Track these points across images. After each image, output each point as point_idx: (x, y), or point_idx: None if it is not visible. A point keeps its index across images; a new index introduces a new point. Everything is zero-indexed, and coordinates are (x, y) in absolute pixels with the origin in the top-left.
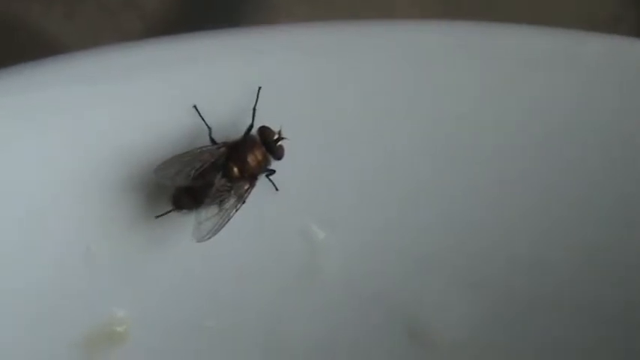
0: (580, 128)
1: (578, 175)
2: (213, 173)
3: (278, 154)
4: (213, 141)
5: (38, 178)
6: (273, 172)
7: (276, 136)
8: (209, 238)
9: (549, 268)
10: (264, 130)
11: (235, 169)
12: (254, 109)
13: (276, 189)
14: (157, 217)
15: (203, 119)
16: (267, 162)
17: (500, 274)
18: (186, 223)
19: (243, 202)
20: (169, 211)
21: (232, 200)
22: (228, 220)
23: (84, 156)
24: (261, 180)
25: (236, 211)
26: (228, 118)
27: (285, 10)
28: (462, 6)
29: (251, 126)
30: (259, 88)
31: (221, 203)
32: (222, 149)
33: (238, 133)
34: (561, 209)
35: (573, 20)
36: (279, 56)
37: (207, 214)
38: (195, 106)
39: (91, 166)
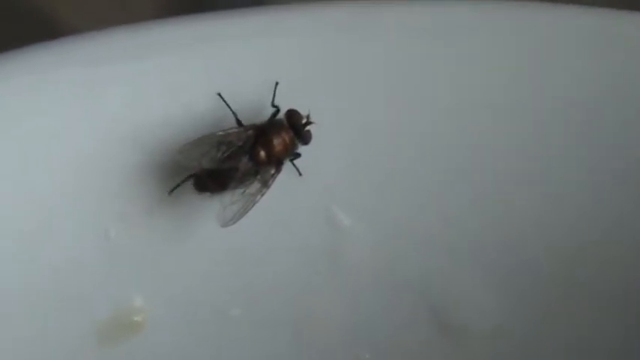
0: (617, 108)
1: (610, 164)
2: (240, 156)
3: (305, 138)
4: (239, 124)
5: (55, 159)
6: (298, 155)
7: (304, 120)
8: (233, 223)
9: (582, 263)
10: (292, 114)
11: (262, 153)
12: (273, 102)
13: (300, 174)
14: (170, 192)
15: (228, 105)
16: (294, 146)
17: (530, 266)
18: (208, 207)
19: (269, 188)
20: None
21: (258, 185)
22: (253, 205)
23: (101, 137)
24: (286, 165)
25: (261, 196)
26: (249, 98)
27: None
28: None
29: (277, 110)
30: (276, 83)
31: (246, 187)
32: (250, 132)
33: (262, 113)
34: (594, 201)
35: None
36: (300, 37)
37: (232, 198)
38: (219, 94)
39: (108, 147)
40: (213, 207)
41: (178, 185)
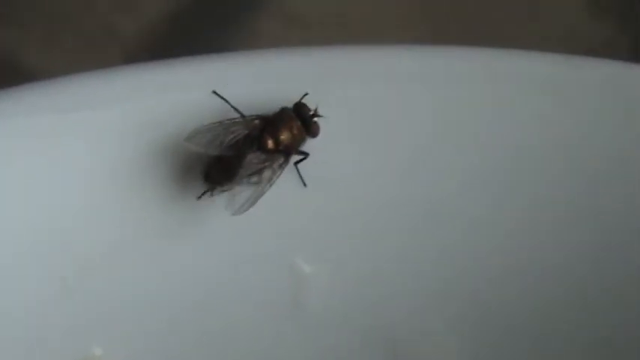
0: (572, 153)
1: (572, 197)
2: (247, 145)
3: (313, 129)
4: (243, 115)
5: (16, 207)
6: (306, 155)
7: (311, 112)
8: (243, 211)
9: (548, 313)
10: (300, 105)
11: (270, 141)
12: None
13: (304, 184)
14: (198, 197)
15: (226, 100)
16: (301, 138)
17: (497, 318)
18: (171, 253)
19: (278, 177)
20: (206, 192)
21: (267, 174)
22: (263, 194)
23: (62, 186)
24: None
25: (270, 185)
26: None
27: (265, 35)
28: (449, 32)
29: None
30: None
31: (255, 177)
32: (256, 121)
33: None
34: (560, 250)
35: (566, 45)
36: (257, 83)
37: (241, 187)
38: (214, 91)
39: (70, 196)
40: (174, 251)
41: (205, 192)
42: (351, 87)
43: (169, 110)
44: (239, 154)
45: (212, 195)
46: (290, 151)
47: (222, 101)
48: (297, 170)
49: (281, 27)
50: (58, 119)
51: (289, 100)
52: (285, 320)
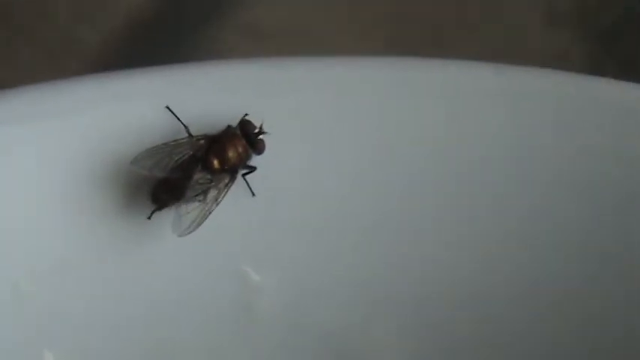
0: (521, 165)
1: (532, 210)
2: (193, 165)
3: (258, 147)
4: (190, 135)
5: None
6: (253, 169)
7: (256, 130)
8: (190, 232)
9: (511, 322)
10: (245, 123)
11: (216, 161)
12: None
13: (253, 194)
14: (149, 217)
15: (177, 117)
16: (247, 156)
17: (448, 325)
18: (122, 256)
19: (224, 196)
20: (155, 210)
21: (213, 193)
22: (209, 214)
23: (14, 196)
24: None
25: (217, 205)
26: None
27: (227, 46)
28: (405, 43)
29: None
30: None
31: (201, 197)
32: (202, 142)
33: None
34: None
35: (522, 55)
36: (211, 94)
37: (188, 207)
38: (168, 107)
39: (24, 206)
40: (123, 263)
41: (154, 212)
42: (302, 97)
43: (121, 122)
44: (185, 174)
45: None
46: (236, 169)
47: (167, 106)
48: (246, 181)
49: (242, 38)
50: (9, 130)
51: (241, 112)
52: (235, 329)
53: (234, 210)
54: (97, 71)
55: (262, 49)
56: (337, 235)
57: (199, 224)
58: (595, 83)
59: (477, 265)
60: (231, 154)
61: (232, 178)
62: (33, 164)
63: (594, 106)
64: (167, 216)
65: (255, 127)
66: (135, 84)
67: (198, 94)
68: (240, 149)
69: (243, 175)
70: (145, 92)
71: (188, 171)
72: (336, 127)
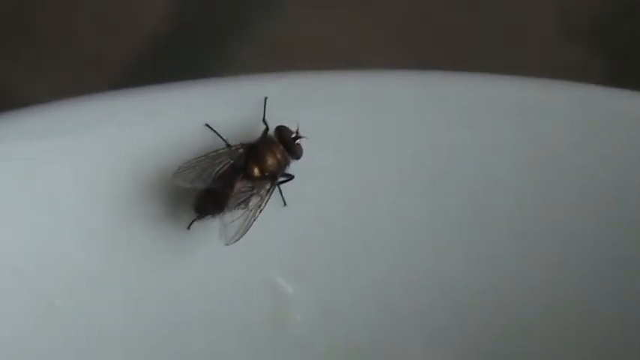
0: (545, 176)
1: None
2: (234, 175)
3: (296, 152)
4: (228, 145)
5: None
6: (291, 177)
7: (293, 135)
8: (237, 240)
9: (534, 337)
10: (282, 129)
11: (256, 169)
12: (264, 120)
13: (285, 203)
14: (188, 227)
15: (217, 133)
16: (286, 161)
17: (483, 333)
18: (154, 272)
19: (266, 202)
20: (195, 220)
21: (255, 201)
22: (254, 220)
23: (45, 210)
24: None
25: (260, 211)
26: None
27: (247, 62)
28: (427, 57)
29: (267, 129)
30: (265, 98)
31: (244, 204)
32: (240, 150)
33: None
34: (548, 268)
35: (543, 69)
36: (242, 108)
37: (233, 216)
38: (207, 124)
39: (52, 220)
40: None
41: (193, 221)
42: (333, 111)
43: (156, 135)
44: (227, 184)
45: (201, 221)
46: (276, 175)
47: (207, 124)
48: (280, 190)
49: (263, 54)
50: (46, 143)
51: (272, 124)
52: (267, 341)
53: (266, 221)
54: (120, 85)
55: (282, 63)
56: (370, 247)
57: (245, 231)
58: (616, 95)
59: (510, 276)
60: (270, 160)
61: (273, 185)
62: (70, 178)
63: (616, 118)
64: (203, 228)
65: (291, 133)
66: (168, 98)
67: (231, 108)
68: (278, 155)
69: (279, 183)
70: (179, 106)
71: (229, 180)
72: (368, 140)
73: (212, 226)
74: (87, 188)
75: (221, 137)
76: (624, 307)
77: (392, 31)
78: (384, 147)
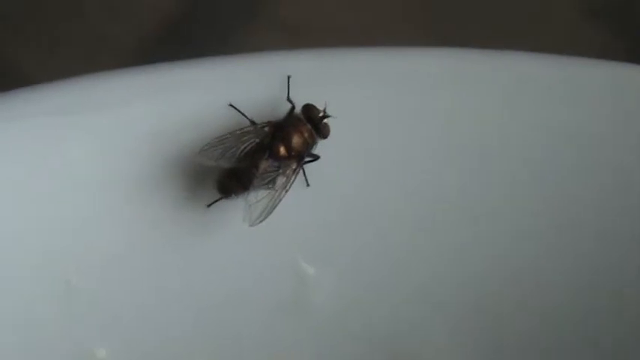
0: (577, 153)
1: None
2: (259, 153)
3: (324, 131)
4: (254, 123)
5: (16, 208)
6: (317, 157)
7: (321, 114)
8: (261, 221)
9: (551, 321)
10: (309, 108)
11: (282, 148)
12: (288, 98)
13: (307, 184)
14: (209, 205)
15: (240, 111)
16: (313, 140)
17: (504, 322)
18: (172, 254)
19: (292, 183)
20: (218, 199)
21: (281, 181)
22: (279, 201)
23: (61, 187)
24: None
25: (286, 192)
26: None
27: (260, 42)
28: (447, 38)
29: (293, 107)
30: (289, 77)
31: (270, 184)
32: (266, 129)
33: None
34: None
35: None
36: (268, 85)
37: (257, 196)
38: (231, 104)
39: (70, 197)
40: (179, 256)
41: (217, 200)
42: (360, 89)
43: (177, 113)
44: (252, 163)
45: (224, 201)
46: (302, 155)
47: (230, 101)
48: (303, 171)
49: (274, 34)
50: (64, 120)
51: (297, 102)
52: (288, 322)
53: (289, 203)
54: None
55: (296, 45)
56: (395, 233)
57: (270, 212)
58: None
59: (536, 261)
60: (296, 140)
61: (299, 165)
62: (89, 155)
63: None
64: (225, 208)
65: (319, 111)
66: (192, 75)
67: (257, 85)
68: (305, 134)
69: (305, 163)
70: (202, 83)
71: (255, 160)
72: (395, 119)
73: (234, 206)
74: (106, 166)
75: (245, 116)
76: None
77: (412, 10)
78: (412, 127)
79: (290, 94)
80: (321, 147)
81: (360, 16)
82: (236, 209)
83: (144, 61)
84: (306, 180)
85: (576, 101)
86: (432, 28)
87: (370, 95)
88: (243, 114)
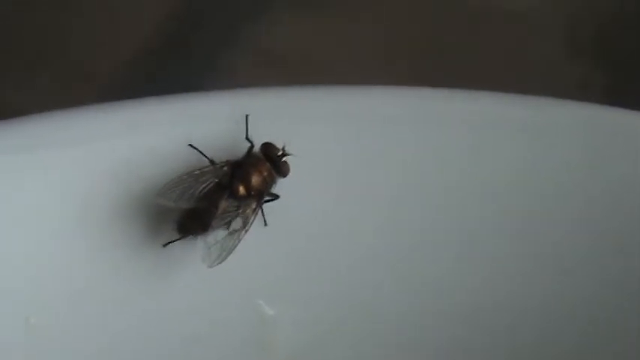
0: (549, 194)
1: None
2: (218, 193)
3: (283, 170)
4: (213, 163)
5: None
6: (276, 197)
7: (279, 152)
8: (220, 262)
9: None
10: (268, 146)
11: (242, 188)
12: (247, 137)
13: (265, 223)
14: (165, 245)
15: (200, 152)
16: (272, 179)
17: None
18: (132, 292)
19: (252, 223)
20: (176, 239)
21: (240, 221)
22: (239, 242)
23: (21, 226)
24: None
25: (245, 232)
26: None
27: (240, 74)
28: (426, 74)
29: (252, 145)
30: (247, 115)
31: (229, 225)
32: (225, 168)
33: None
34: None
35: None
36: (229, 123)
37: (217, 236)
38: (191, 144)
39: (28, 236)
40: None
41: (174, 241)
42: (322, 127)
43: (138, 151)
44: (211, 203)
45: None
46: (262, 194)
47: (191, 144)
48: (262, 210)
49: (257, 66)
50: (27, 158)
51: (259, 140)
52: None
53: (248, 242)
54: (110, 98)
55: (275, 76)
56: (356, 270)
57: (229, 253)
58: (619, 114)
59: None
60: (256, 178)
61: (259, 204)
62: (52, 192)
63: (618, 137)
64: (184, 248)
65: (278, 150)
66: (153, 113)
67: (217, 123)
68: (265, 173)
69: (264, 202)
70: (164, 121)
71: (214, 200)
72: (357, 159)
73: (195, 246)
74: (65, 204)
75: (205, 156)
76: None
77: (391, 47)
78: (374, 166)
79: (251, 133)
80: (280, 186)
81: (339, 52)
82: (197, 249)
83: (123, 94)
84: (264, 219)
85: (544, 141)
86: (411, 66)
87: (333, 133)
88: (202, 153)
